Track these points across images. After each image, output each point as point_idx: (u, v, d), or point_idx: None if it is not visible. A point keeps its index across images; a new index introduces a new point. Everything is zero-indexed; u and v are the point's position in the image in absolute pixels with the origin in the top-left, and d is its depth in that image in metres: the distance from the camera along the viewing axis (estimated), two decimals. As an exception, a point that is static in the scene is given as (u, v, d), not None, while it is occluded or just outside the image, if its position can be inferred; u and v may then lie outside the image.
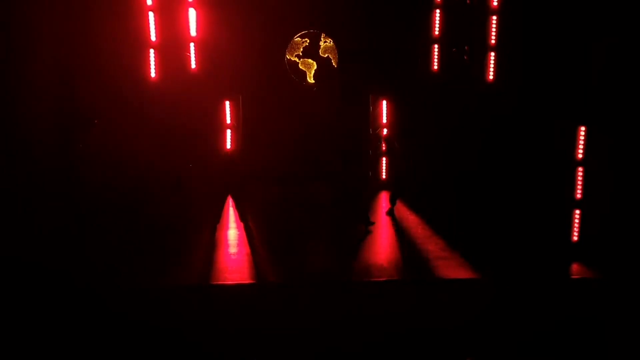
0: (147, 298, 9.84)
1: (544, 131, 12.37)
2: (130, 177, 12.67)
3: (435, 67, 13.62)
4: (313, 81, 14.30)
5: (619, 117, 11.91)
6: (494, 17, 13.04)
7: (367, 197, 13.16)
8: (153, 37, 13.12)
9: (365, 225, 12.04)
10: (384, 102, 13.92)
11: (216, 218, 12.56)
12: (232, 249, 11.52)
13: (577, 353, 9.21)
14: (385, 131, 13.63)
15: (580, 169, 11.25)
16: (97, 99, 12.88)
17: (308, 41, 14.16)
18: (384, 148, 13.43)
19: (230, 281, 10.36)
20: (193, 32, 13.26)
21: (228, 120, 13.71)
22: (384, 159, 14.09)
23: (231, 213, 13.08)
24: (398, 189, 12.94)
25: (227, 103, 13.69)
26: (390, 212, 12.71)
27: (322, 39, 14.17)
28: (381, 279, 10.45)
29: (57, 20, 12.54)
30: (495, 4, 12.98)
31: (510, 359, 9.22)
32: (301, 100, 14.25)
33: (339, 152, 12.69)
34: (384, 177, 14.20)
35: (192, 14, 13.17)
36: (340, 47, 14.15)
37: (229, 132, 13.70)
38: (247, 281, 10.36)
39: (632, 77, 12.05)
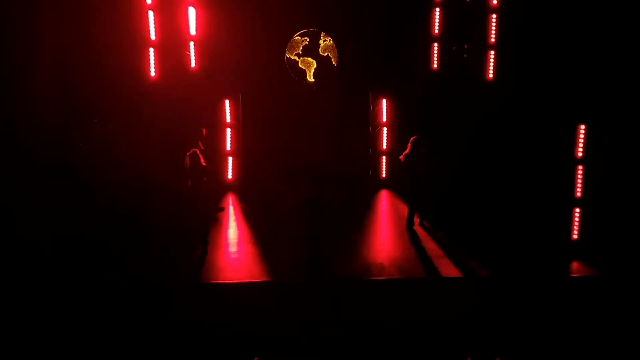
0: (147, 297, 9.86)
1: (543, 129, 12.38)
2: (129, 176, 12.64)
3: (435, 66, 13.61)
4: (313, 80, 14.29)
5: (619, 116, 11.94)
6: (494, 16, 13.02)
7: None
8: (153, 36, 13.09)
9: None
10: (384, 101, 13.91)
11: (216, 217, 12.55)
12: (232, 248, 11.53)
13: (577, 351, 9.23)
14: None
15: (580, 167, 11.27)
16: (97, 97, 12.87)
17: (308, 40, 14.15)
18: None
19: (230, 280, 10.38)
20: (193, 30, 13.24)
21: (228, 119, 13.71)
22: (384, 157, 14.09)
23: (231, 212, 13.08)
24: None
25: (227, 102, 13.69)
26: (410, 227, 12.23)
27: (321, 37, 14.15)
28: (381, 278, 10.47)
29: (58, 19, 12.53)
30: (495, 2, 12.96)
31: (511, 358, 9.23)
32: (301, 99, 14.24)
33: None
34: (383, 175, 14.19)
35: (191, 12, 13.16)
36: (340, 45, 14.13)
37: (228, 130, 13.70)
38: (247, 280, 10.38)
39: (632, 76, 12.08)
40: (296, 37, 14.13)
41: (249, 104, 13.92)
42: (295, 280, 10.28)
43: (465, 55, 13.53)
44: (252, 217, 12.59)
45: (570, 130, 11.27)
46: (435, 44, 13.53)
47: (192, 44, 13.31)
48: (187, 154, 11.22)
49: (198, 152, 11.25)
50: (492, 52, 13.13)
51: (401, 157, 11.96)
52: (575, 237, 11.37)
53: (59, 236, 11.08)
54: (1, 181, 11.37)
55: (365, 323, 9.56)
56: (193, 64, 13.39)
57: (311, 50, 14.17)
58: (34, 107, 12.24)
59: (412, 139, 11.94)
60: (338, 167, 13.86)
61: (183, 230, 11.62)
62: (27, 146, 11.91)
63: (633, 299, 9.84)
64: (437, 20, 13.41)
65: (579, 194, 11.33)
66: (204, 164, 11.26)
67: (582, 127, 11.18)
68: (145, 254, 10.92)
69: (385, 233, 12.20)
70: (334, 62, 14.23)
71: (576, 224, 11.35)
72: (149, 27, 13.02)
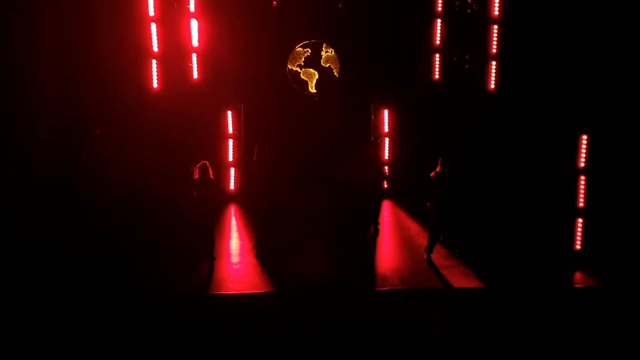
0: (149, 307, 9.86)
1: (546, 139, 12.38)
2: (132, 187, 12.66)
3: (437, 76, 13.63)
4: (315, 91, 14.32)
5: (621, 125, 11.95)
6: (495, 26, 13.02)
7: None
8: (155, 48, 13.11)
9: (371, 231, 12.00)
10: (386, 111, 13.92)
11: (218, 227, 12.54)
12: (234, 259, 11.53)
13: (576, 352, 9.24)
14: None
15: (582, 177, 11.27)
16: (99, 109, 12.89)
17: (310, 51, 14.19)
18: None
19: (232, 291, 10.37)
20: (195, 42, 13.27)
21: (230, 130, 13.72)
22: (386, 167, 14.09)
23: (233, 222, 13.08)
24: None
25: (229, 113, 13.70)
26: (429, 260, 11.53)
27: (323, 48, 14.19)
28: (384, 289, 10.46)
29: (60, 31, 12.57)
30: (496, 13, 12.95)
31: (510, 358, 9.24)
32: (303, 110, 14.26)
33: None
34: (385, 185, 14.18)
35: (194, 24, 13.20)
36: (341, 56, 14.17)
37: (230, 141, 13.71)
38: (249, 290, 10.37)
39: (635, 86, 12.10)
40: (298, 49, 14.17)
41: (251, 115, 13.94)
42: (297, 291, 10.26)
43: (466, 66, 13.56)
44: (254, 227, 12.57)
45: (572, 140, 11.27)
46: (437, 55, 13.55)
47: (194, 55, 13.34)
48: (197, 166, 11.23)
49: (207, 164, 11.27)
50: (494, 62, 13.13)
51: (432, 175, 11.26)
52: (578, 247, 11.36)
53: (60, 247, 11.10)
54: (1, 181, 11.41)
55: (368, 334, 9.53)
56: (195, 76, 13.42)
57: (313, 61, 14.21)
58: (37, 119, 12.28)
59: (440, 159, 11.25)
60: (339, 177, 13.86)
61: (186, 241, 11.63)
62: (29, 158, 11.97)
63: (636, 309, 9.84)
64: (438, 31, 13.42)
65: (581, 204, 11.32)
66: (212, 177, 11.28)
67: (584, 137, 11.18)
68: (146, 265, 10.91)
69: (387, 244, 12.18)
70: (335, 73, 14.26)
71: (579, 234, 11.34)
72: (151, 38, 13.05)
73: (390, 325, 9.60)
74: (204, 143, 13.33)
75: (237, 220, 13.15)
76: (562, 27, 12.52)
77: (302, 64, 14.22)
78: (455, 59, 13.61)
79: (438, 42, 13.49)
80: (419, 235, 12.26)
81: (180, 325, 9.55)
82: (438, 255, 11.46)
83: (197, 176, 11.13)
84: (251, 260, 11.40)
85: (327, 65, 14.25)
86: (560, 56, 12.60)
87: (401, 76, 13.84)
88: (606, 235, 11.35)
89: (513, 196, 12.45)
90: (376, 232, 12.14)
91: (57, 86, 12.57)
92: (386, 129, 13.96)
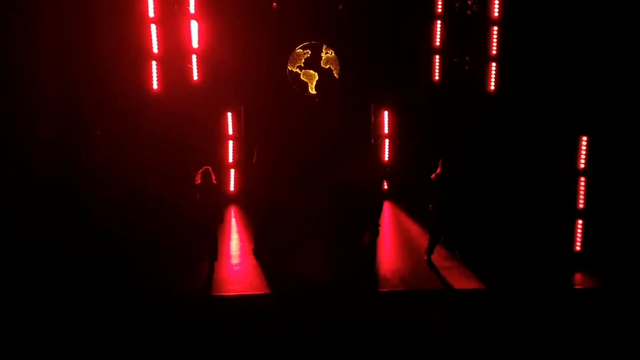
0: (149, 307, 9.86)
1: (545, 140, 12.39)
2: (132, 187, 12.67)
3: (437, 78, 13.66)
4: (315, 92, 14.34)
5: (622, 127, 11.96)
6: (495, 28, 13.05)
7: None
8: (155, 49, 13.13)
9: (371, 233, 12.02)
10: (386, 112, 13.93)
11: (219, 229, 12.53)
12: (235, 260, 11.52)
13: (576, 352, 9.24)
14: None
15: (582, 178, 11.27)
16: (99, 110, 12.90)
17: (310, 52, 14.21)
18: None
19: (232, 292, 10.36)
20: (195, 43, 13.29)
21: (230, 131, 13.72)
22: (386, 168, 14.08)
23: (233, 223, 13.08)
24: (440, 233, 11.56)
25: (229, 114, 13.70)
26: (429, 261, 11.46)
27: (323, 50, 14.21)
28: (385, 290, 10.45)
29: (60, 31, 12.58)
30: (496, 14, 12.98)
31: (510, 358, 9.25)
32: (303, 111, 14.26)
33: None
34: (385, 187, 14.18)
35: (194, 25, 13.21)
36: (341, 58, 14.18)
37: (231, 143, 13.71)
38: (250, 292, 10.36)
39: (634, 86, 12.12)
40: (298, 50, 14.19)
41: (251, 116, 13.94)
42: (298, 292, 10.26)
43: (466, 67, 13.58)
44: (254, 229, 12.56)
45: (572, 141, 11.28)
46: (437, 56, 13.59)
47: (194, 56, 13.35)
48: (200, 171, 11.19)
49: (210, 169, 11.24)
50: (494, 63, 13.15)
51: (432, 176, 11.25)
52: (578, 248, 11.36)
53: (60, 249, 11.10)
54: (1, 181, 11.41)
55: (368, 335, 9.53)
56: (195, 77, 13.43)
57: (313, 62, 14.23)
58: (37, 121, 12.30)
59: (441, 160, 11.25)
60: (340, 178, 13.86)
61: (186, 241, 11.63)
62: (29, 160, 11.98)
63: (633, 301, 9.86)
64: (438, 32, 13.47)
65: (581, 206, 11.32)
66: (215, 182, 11.26)
67: (584, 138, 11.19)
68: (146, 266, 10.91)
69: (388, 245, 12.17)
70: (335, 75, 14.27)
71: (579, 235, 11.34)
72: (151, 40, 13.07)
73: (390, 325, 9.59)
74: (204, 144, 13.35)
75: (237, 222, 13.15)
76: (562, 28, 12.54)
77: (302, 65, 14.24)
78: (455, 60, 13.63)
79: (438, 43, 13.53)
80: (420, 237, 12.27)
81: (181, 326, 9.54)
82: (438, 256, 11.45)
83: (199, 181, 11.12)
84: (251, 261, 11.38)
85: (327, 66, 14.27)
86: (560, 57, 12.62)
87: (401, 77, 13.88)
88: (606, 235, 11.35)
89: (513, 197, 12.46)
90: (377, 232, 12.13)
91: (57, 86, 12.59)
92: (386, 130, 13.97)
